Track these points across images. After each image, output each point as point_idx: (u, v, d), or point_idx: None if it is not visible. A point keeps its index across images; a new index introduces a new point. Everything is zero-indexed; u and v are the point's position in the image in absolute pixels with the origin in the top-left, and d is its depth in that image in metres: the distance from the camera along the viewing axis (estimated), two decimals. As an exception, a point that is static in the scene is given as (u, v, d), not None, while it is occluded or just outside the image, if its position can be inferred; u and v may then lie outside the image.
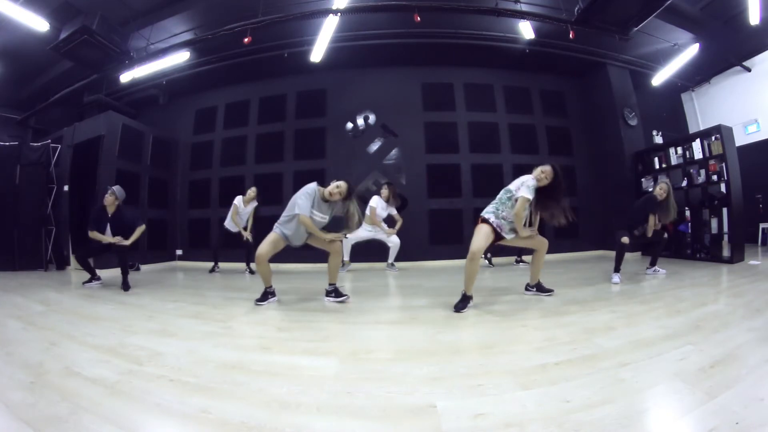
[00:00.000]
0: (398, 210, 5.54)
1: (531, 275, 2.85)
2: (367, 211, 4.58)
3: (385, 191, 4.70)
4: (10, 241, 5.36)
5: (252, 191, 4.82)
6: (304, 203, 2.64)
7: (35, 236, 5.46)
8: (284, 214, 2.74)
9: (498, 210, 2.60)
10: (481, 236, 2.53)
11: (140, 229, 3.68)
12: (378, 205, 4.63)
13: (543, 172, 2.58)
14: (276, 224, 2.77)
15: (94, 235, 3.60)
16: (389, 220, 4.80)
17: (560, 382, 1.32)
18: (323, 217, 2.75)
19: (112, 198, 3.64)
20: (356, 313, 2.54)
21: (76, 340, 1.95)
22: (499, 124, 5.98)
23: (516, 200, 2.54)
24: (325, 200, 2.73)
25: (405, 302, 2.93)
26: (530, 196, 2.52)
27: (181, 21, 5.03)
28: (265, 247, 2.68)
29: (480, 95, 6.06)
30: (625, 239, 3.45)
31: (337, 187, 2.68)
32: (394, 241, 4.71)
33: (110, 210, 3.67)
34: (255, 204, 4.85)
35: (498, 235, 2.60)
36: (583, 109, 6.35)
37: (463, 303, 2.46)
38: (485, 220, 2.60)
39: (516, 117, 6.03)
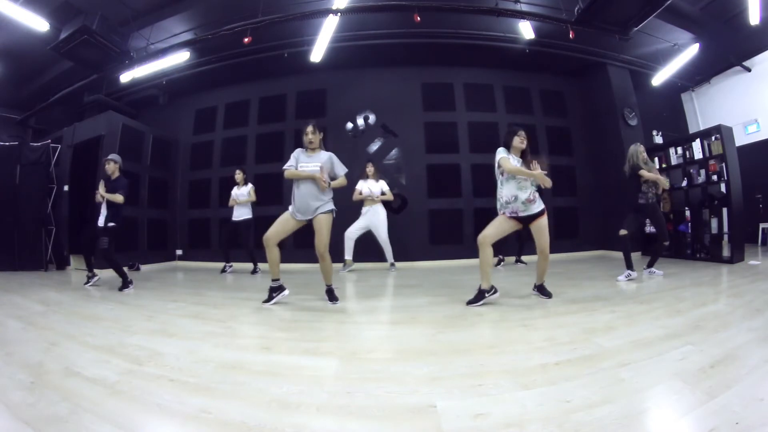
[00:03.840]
0: (398, 210, 5.53)
1: (537, 275, 2.81)
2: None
3: (369, 168, 4.78)
4: (10, 241, 5.37)
5: (238, 173, 4.90)
6: (288, 161, 2.78)
7: (35, 236, 5.46)
8: None
9: (500, 197, 2.63)
10: (492, 224, 2.61)
11: (118, 197, 3.59)
12: (361, 186, 4.70)
13: (521, 140, 2.66)
14: None
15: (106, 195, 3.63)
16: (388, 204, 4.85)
17: (560, 382, 1.32)
18: (316, 165, 2.74)
19: (111, 165, 3.70)
20: (356, 313, 2.54)
21: (76, 340, 1.95)
22: (499, 124, 5.97)
23: (502, 173, 2.61)
24: (309, 151, 2.81)
25: (405, 302, 2.93)
26: (504, 154, 2.60)
27: (181, 21, 5.02)
28: (273, 227, 2.70)
29: (480, 95, 6.05)
30: (623, 231, 3.50)
31: (306, 134, 2.78)
32: (381, 237, 4.68)
33: (113, 176, 3.72)
34: (251, 186, 4.90)
35: (521, 221, 2.60)
36: (583, 109, 6.34)
37: (476, 297, 2.53)
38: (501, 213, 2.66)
39: (516, 117, 6.02)
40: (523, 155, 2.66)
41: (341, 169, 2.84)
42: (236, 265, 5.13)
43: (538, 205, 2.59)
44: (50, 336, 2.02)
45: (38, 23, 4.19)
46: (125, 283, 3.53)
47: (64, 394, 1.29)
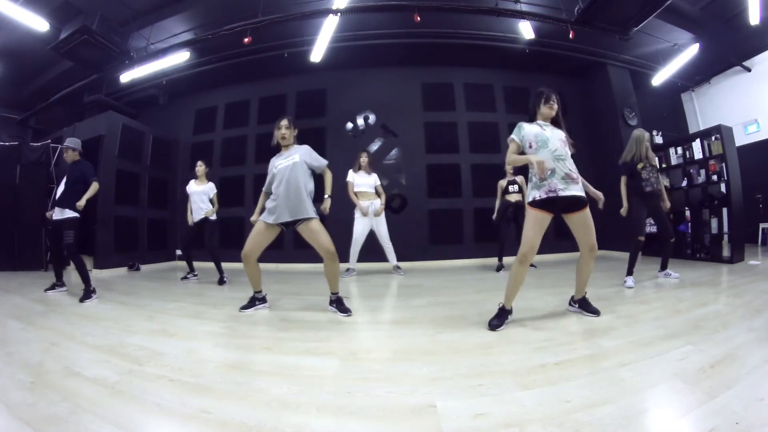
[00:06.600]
0: (398, 210, 5.49)
1: (576, 286, 2.33)
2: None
3: (363, 158, 4.31)
4: (10, 241, 5.37)
5: (200, 165, 4.28)
6: (266, 181, 2.55)
7: (35, 236, 5.46)
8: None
9: (532, 176, 2.11)
10: (530, 227, 2.02)
11: (94, 186, 3.21)
12: (352, 178, 4.27)
13: (550, 106, 2.23)
14: None
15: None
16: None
17: (560, 382, 1.32)
18: (294, 158, 2.48)
19: (69, 152, 3.26)
20: (356, 313, 2.54)
21: (76, 340, 1.95)
22: (499, 124, 5.98)
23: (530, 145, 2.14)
24: (282, 149, 2.56)
25: (405, 302, 2.93)
26: (513, 136, 2.16)
27: (181, 21, 5.03)
28: (250, 241, 2.46)
29: (480, 95, 6.06)
30: (642, 238, 3.21)
31: (278, 128, 2.50)
32: (382, 234, 4.33)
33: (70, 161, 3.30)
34: (214, 189, 4.28)
35: (557, 207, 2.07)
36: (583, 109, 6.34)
37: (499, 318, 2.04)
38: (531, 204, 2.07)
39: (516, 117, 5.96)
40: (555, 123, 2.22)
41: (323, 161, 2.57)
42: (233, 266, 5.11)
43: (580, 188, 2.07)
44: (50, 336, 2.02)
45: (38, 23, 4.19)
46: (87, 293, 3.03)
47: (64, 394, 1.29)
